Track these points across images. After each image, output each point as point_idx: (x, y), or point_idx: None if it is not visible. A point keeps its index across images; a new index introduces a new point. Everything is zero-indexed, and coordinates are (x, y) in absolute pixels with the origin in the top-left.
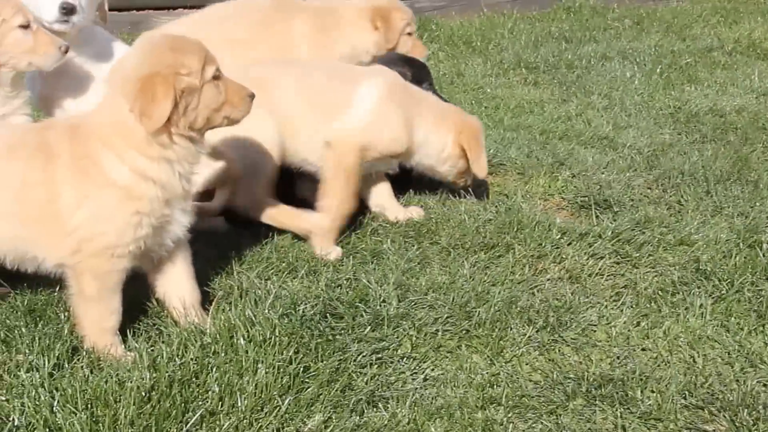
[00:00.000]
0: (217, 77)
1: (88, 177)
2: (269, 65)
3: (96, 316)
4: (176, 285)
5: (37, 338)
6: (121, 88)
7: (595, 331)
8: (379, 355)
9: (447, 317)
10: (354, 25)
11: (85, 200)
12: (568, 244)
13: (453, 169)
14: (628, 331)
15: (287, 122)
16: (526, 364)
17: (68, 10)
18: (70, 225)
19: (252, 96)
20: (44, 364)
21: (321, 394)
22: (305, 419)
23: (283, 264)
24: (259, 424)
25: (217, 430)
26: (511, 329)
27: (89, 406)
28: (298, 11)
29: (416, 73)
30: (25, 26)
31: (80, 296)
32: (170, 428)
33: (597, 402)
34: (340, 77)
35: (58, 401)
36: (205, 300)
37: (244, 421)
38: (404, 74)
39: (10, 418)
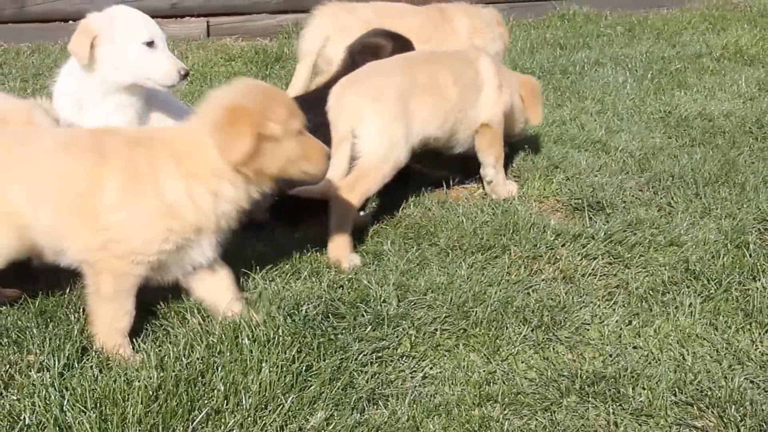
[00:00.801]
0: (300, 131)
1: (139, 184)
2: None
3: (109, 315)
4: (216, 295)
5: (47, 339)
6: (209, 115)
7: (588, 329)
8: (380, 354)
9: (445, 317)
10: (499, 27)
11: (127, 204)
12: (562, 245)
13: (522, 117)
14: (620, 329)
15: (450, 110)
16: (522, 362)
17: (185, 75)
18: (103, 222)
19: (329, 156)
20: (54, 364)
21: (323, 392)
22: (308, 417)
23: (287, 266)
24: (263, 422)
25: (222, 427)
26: (507, 328)
27: (98, 405)
28: (455, 12)
29: (399, 47)
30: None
31: (96, 295)
32: (177, 426)
33: (590, 399)
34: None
35: (67, 400)
36: None
37: (249, 418)
38: (386, 47)
39: (21, 417)
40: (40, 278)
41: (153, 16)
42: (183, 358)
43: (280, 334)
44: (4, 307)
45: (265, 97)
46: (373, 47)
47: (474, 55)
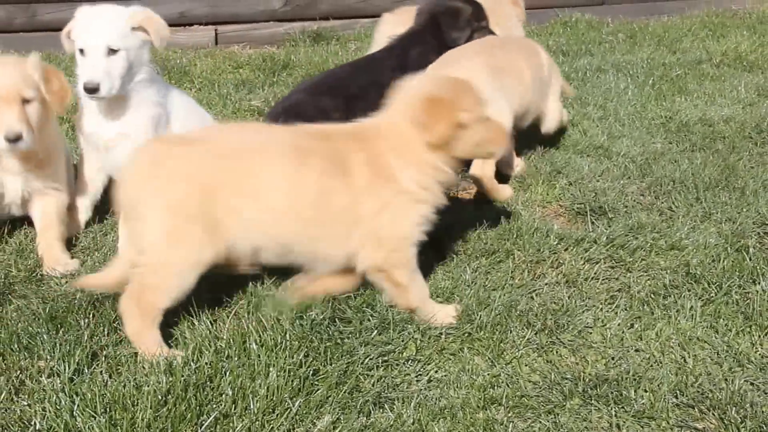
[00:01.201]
0: (484, 117)
1: (386, 184)
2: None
3: (416, 293)
4: None
5: (58, 345)
6: (406, 107)
7: (590, 333)
8: (385, 358)
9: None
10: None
11: (385, 207)
12: (565, 250)
13: None
14: (622, 332)
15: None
16: (526, 366)
17: (92, 90)
18: (372, 230)
19: (507, 133)
20: (65, 370)
21: (330, 396)
22: (315, 420)
23: (293, 269)
24: (271, 426)
25: None
26: (510, 332)
27: (108, 410)
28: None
29: (475, 11)
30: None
31: (396, 289)
32: (185, 430)
33: (593, 401)
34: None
35: (78, 405)
36: (219, 306)
37: (257, 422)
38: (464, 10)
39: (32, 422)
40: (51, 284)
41: None
42: (192, 363)
43: (288, 338)
44: (15, 313)
45: (456, 87)
46: (455, 10)
47: (534, 44)
